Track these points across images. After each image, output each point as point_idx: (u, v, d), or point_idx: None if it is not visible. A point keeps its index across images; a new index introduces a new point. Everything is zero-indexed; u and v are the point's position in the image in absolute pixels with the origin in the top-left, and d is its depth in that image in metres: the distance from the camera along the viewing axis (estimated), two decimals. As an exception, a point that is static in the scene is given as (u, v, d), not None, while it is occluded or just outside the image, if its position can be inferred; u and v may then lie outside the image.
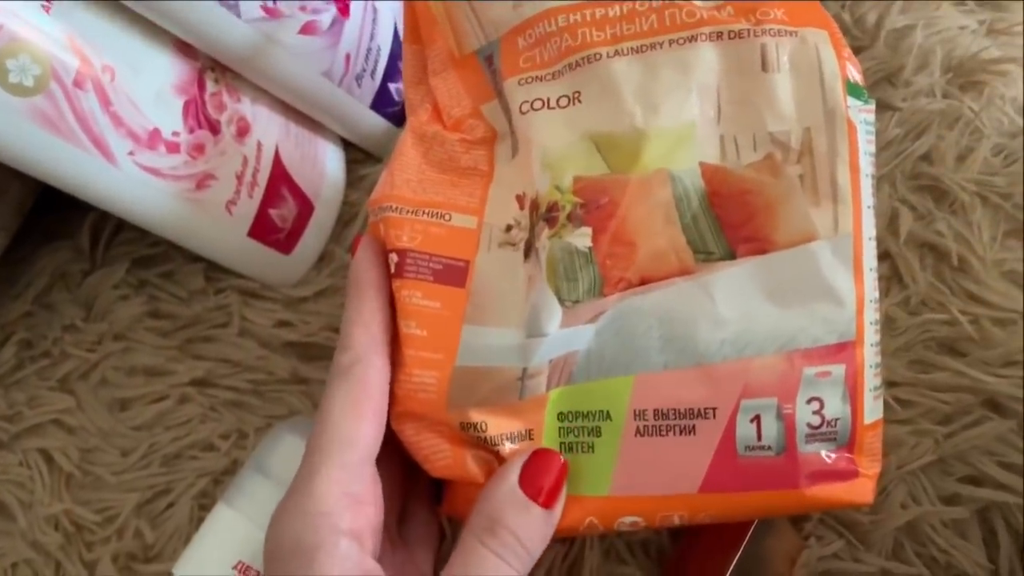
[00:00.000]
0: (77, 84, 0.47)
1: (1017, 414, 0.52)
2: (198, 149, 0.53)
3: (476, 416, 0.41)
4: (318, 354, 0.61)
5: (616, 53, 0.42)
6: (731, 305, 0.40)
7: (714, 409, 0.40)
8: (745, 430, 0.40)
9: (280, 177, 0.59)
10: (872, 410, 0.41)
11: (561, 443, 0.41)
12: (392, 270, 0.43)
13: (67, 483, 0.60)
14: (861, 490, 0.41)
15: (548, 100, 0.43)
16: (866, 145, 0.42)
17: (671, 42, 0.42)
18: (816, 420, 0.40)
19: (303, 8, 0.53)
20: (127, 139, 0.49)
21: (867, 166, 0.42)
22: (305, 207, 0.61)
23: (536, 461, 0.40)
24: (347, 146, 0.66)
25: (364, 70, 0.60)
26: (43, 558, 0.58)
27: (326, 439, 0.39)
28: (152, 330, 0.63)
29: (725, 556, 0.47)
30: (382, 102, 0.63)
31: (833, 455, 0.40)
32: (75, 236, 0.66)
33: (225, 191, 0.55)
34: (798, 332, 0.40)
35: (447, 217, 0.43)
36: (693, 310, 0.40)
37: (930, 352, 0.54)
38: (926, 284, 0.55)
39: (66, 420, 0.61)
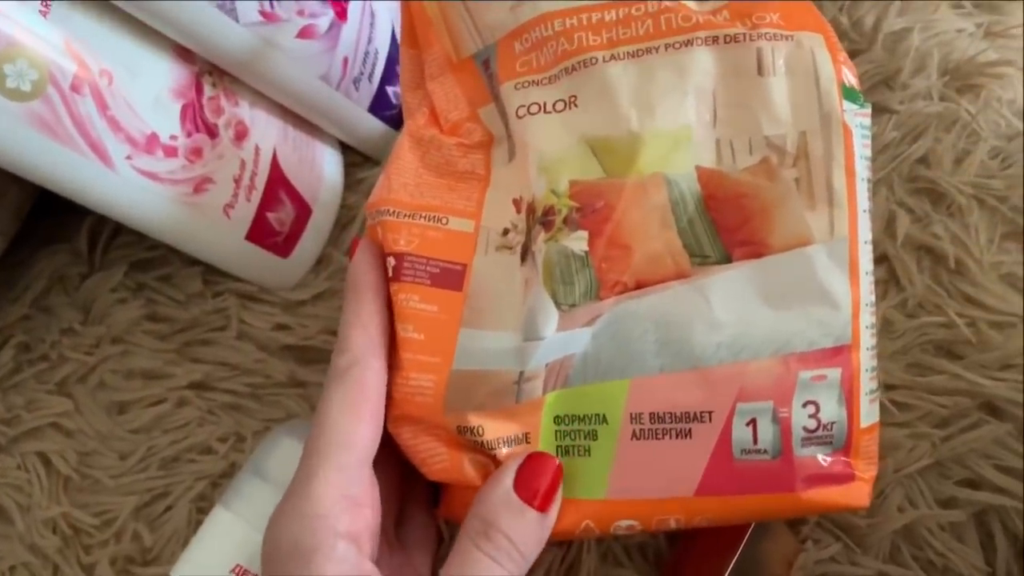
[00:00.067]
0: (74, 88, 0.47)
1: (1014, 417, 0.52)
2: (196, 153, 0.53)
3: (473, 420, 0.41)
4: (316, 357, 0.61)
5: (612, 57, 0.42)
6: (727, 309, 0.40)
7: (710, 412, 0.40)
8: (741, 433, 0.40)
9: (278, 180, 0.59)
10: (868, 413, 0.41)
11: (557, 447, 0.41)
12: (390, 273, 0.43)
13: (65, 486, 0.60)
14: (857, 493, 0.41)
15: (544, 104, 0.43)
16: (862, 149, 0.42)
17: (667, 46, 0.42)
18: (812, 424, 0.40)
19: (300, 12, 0.54)
20: (125, 143, 0.49)
21: (863, 170, 0.42)
22: (303, 210, 0.61)
23: (531, 464, 0.40)
24: (345, 149, 0.66)
25: (362, 73, 0.60)
26: (41, 561, 0.58)
27: (323, 441, 0.39)
28: (150, 333, 0.62)
29: (722, 559, 0.47)
30: (380, 105, 0.63)
31: (829, 459, 0.40)
32: (73, 240, 0.66)
33: (223, 195, 0.55)
34: (794, 336, 0.40)
35: (444, 221, 0.44)
36: (689, 314, 0.40)
37: (927, 355, 0.54)
38: (923, 287, 0.55)
39: (64, 423, 0.61)
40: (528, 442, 0.41)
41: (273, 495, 0.41)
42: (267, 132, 0.58)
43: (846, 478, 0.40)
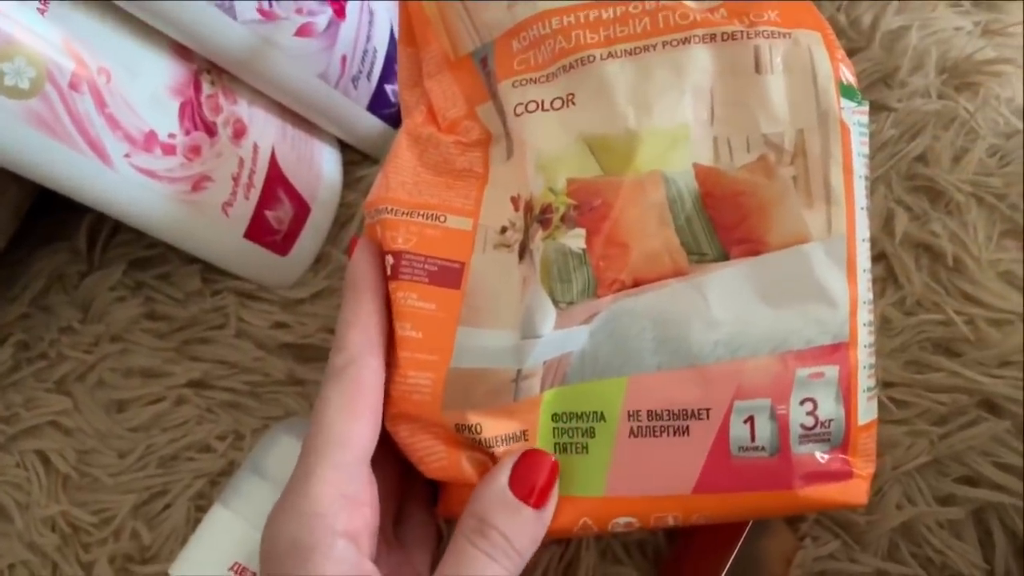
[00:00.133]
0: (73, 86, 0.47)
1: (1013, 415, 0.52)
2: (194, 151, 0.53)
3: (471, 418, 0.41)
4: (315, 355, 0.61)
5: (609, 55, 0.42)
6: (724, 306, 0.40)
7: (708, 410, 0.40)
8: (739, 431, 0.40)
9: (276, 179, 0.59)
10: (866, 411, 0.41)
11: (555, 444, 0.41)
12: (388, 272, 0.43)
13: (64, 484, 0.60)
14: (855, 491, 0.41)
15: (542, 102, 0.43)
16: (860, 147, 0.42)
17: (664, 44, 0.42)
18: (810, 421, 0.40)
19: (299, 10, 0.53)
20: (123, 141, 0.49)
21: (861, 167, 0.42)
22: (301, 209, 0.61)
23: (526, 461, 0.40)
24: (344, 147, 0.66)
25: (360, 72, 0.60)
26: (40, 559, 0.58)
27: (321, 440, 0.39)
28: (149, 332, 0.63)
29: (721, 556, 0.47)
30: (378, 103, 0.63)
31: (827, 456, 0.40)
32: (72, 238, 0.66)
33: (221, 193, 0.55)
34: (791, 333, 0.40)
35: (442, 219, 0.44)
36: (687, 311, 0.40)
37: (926, 353, 0.54)
38: (921, 285, 0.55)
39: (63, 421, 0.61)
40: (526, 440, 0.41)
41: (272, 493, 0.41)
42: (265, 130, 0.58)
43: (844, 475, 0.40)
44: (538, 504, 0.40)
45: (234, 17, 0.50)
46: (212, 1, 0.49)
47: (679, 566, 0.50)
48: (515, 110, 0.43)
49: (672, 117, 0.41)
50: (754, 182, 0.41)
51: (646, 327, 0.40)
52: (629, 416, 0.40)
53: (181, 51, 0.52)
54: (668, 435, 0.40)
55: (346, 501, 0.38)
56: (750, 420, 0.40)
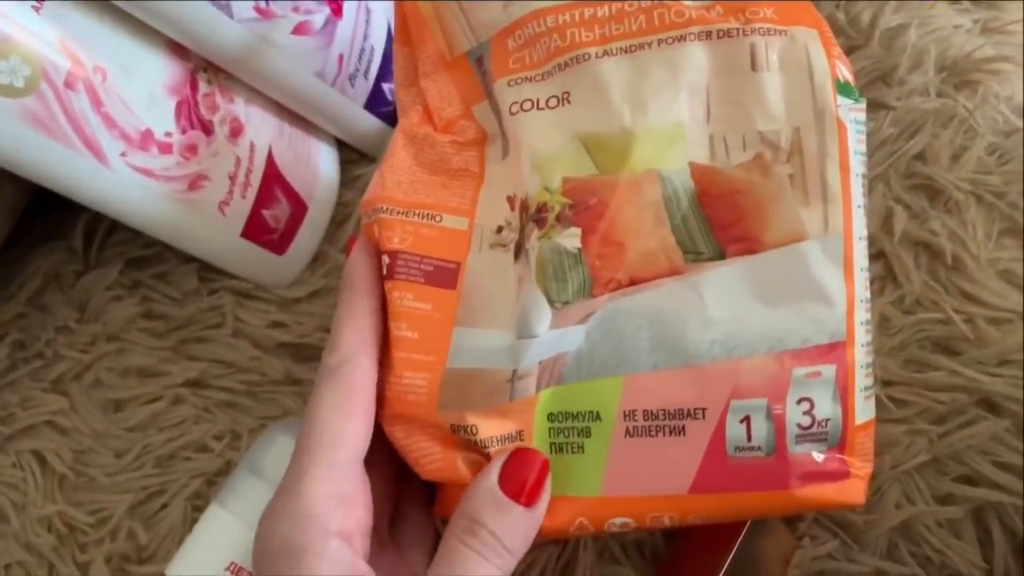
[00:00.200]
0: (68, 85, 0.46)
1: (1012, 414, 0.52)
2: (191, 150, 0.53)
3: (467, 418, 0.41)
4: (312, 355, 0.60)
5: (605, 53, 0.42)
6: (721, 305, 0.40)
7: (704, 410, 0.40)
8: (735, 431, 0.40)
9: (273, 177, 0.59)
10: (863, 410, 0.41)
11: (551, 444, 0.41)
12: (384, 271, 0.43)
13: (60, 484, 0.60)
14: (852, 491, 0.41)
15: (537, 101, 0.43)
16: (856, 144, 0.41)
17: (660, 42, 0.42)
18: (806, 421, 0.40)
19: (296, 9, 0.53)
20: (119, 140, 0.49)
21: (858, 165, 0.41)
22: (298, 207, 0.61)
23: (515, 460, 0.40)
24: (341, 146, 0.66)
25: (357, 70, 0.60)
26: (36, 559, 0.58)
27: (314, 440, 0.39)
28: (146, 331, 0.62)
29: (719, 556, 0.46)
30: (376, 102, 0.63)
31: (824, 456, 0.40)
32: (68, 237, 0.65)
33: (218, 192, 0.55)
34: (788, 332, 0.40)
35: (438, 218, 0.43)
36: (683, 310, 0.40)
37: (924, 351, 0.54)
38: (920, 283, 0.54)
39: (59, 421, 0.61)
40: (522, 440, 0.41)
41: (269, 493, 0.41)
42: (262, 129, 0.58)
43: (841, 475, 0.40)
44: (528, 502, 0.40)
45: (231, 15, 0.50)
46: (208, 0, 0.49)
47: (677, 566, 0.50)
48: (510, 109, 0.43)
49: (668, 115, 0.41)
50: (750, 180, 0.41)
51: (642, 326, 0.40)
52: (625, 416, 0.40)
53: (177, 49, 0.52)
54: (664, 435, 0.40)
55: (339, 501, 0.38)
56: (746, 420, 0.40)
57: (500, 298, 0.42)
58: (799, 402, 0.40)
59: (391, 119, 0.65)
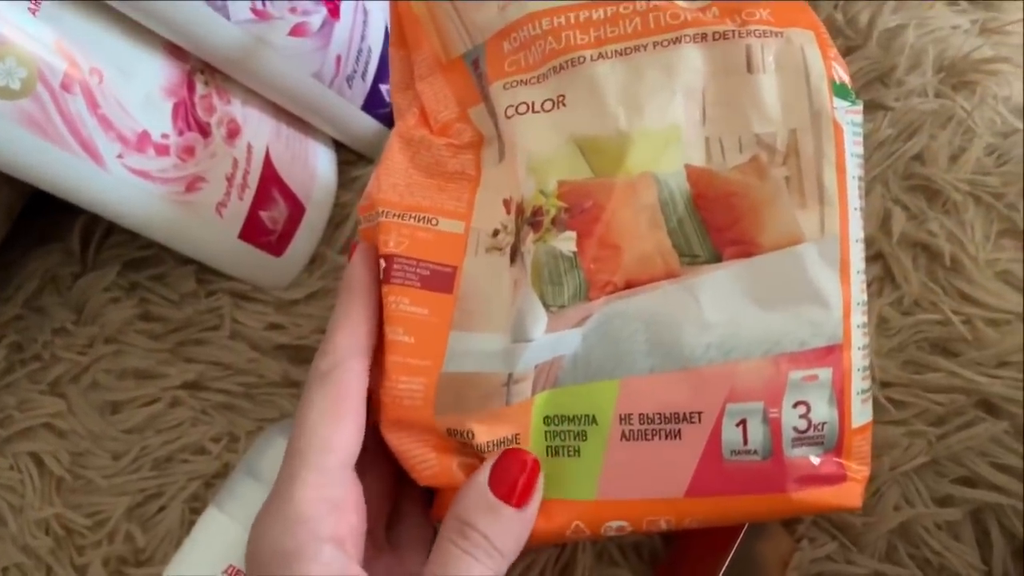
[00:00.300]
0: (64, 87, 0.46)
1: (1011, 415, 0.52)
2: (188, 151, 0.53)
3: (463, 423, 0.41)
4: (309, 357, 0.60)
5: (600, 56, 0.42)
6: (717, 308, 0.40)
7: (700, 413, 0.40)
8: (731, 434, 0.39)
9: (271, 179, 0.59)
10: (860, 413, 0.41)
11: (547, 447, 0.41)
12: (380, 275, 0.43)
13: (58, 487, 0.60)
14: (849, 494, 0.41)
15: (533, 104, 0.42)
16: (853, 146, 0.41)
17: (655, 44, 0.41)
18: (803, 424, 0.39)
19: (293, 10, 0.53)
20: (116, 142, 0.49)
21: (854, 167, 0.41)
22: (296, 209, 0.61)
23: (504, 461, 0.40)
24: (338, 147, 0.66)
25: (355, 71, 0.60)
26: (34, 562, 0.58)
27: (304, 443, 0.39)
28: (143, 333, 0.62)
29: (717, 558, 0.46)
30: (373, 103, 0.63)
31: (820, 459, 0.40)
32: (65, 239, 0.65)
33: (215, 193, 0.55)
34: (784, 335, 0.40)
35: (434, 222, 0.43)
36: (678, 314, 0.40)
37: (923, 353, 0.54)
38: (919, 284, 0.54)
39: (57, 423, 0.61)
40: (518, 443, 0.41)
41: (266, 495, 0.41)
42: (260, 130, 0.58)
43: (838, 478, 0.40)
44: (519, 503, 0.40)
45: (228, 17, 0.50)
46: (205, 1, 0.49)
47: (675, 568, 0.50)
48: (506, 112, 0.43)
49: (663, 118, 0.41)
50: (746, 183, 0.40)
51: (638, 330, 0.40)
52: (621, 419, 0.40)
53: (174, 51, 0.52)
54: (660, 438, 0.40)
55: (331, 506, 0.38)
56: (742, 423, 0.39)
57: (496, 302, 0.42)
58: (795, 405, 0.39)
59: (389, 120, 0.65)
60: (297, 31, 0.54)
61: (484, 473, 0.40)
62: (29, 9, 0.45)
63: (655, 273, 0.40)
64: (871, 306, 0.54)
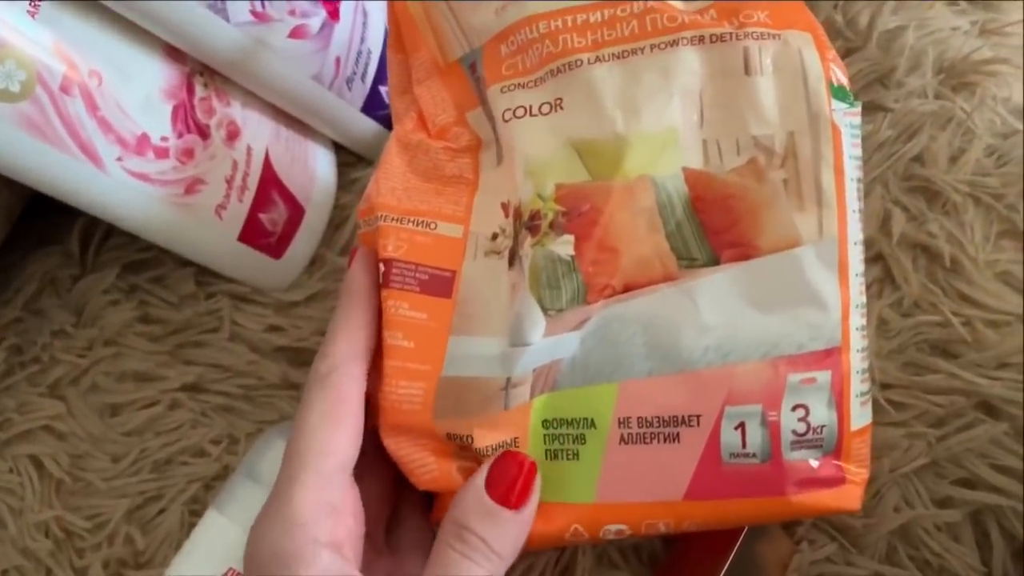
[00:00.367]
0: (64, 89, 0.46)
1: (1011, 416, 0.52)
2: (187, 154, 0.53)
3: (462, 427, 0.41)
4: (309, 359, 0.59)
5: (597, 59, 0.42)
6: (715, 311, 0.40)
7: (698, 416, 0.40)
8: (730, 437, 0.39)
9: (270, 181, 0.59)
10: (859, 416, 0.41)
11: (546, 450, 0.41)
12: (379, 280, 0.43)
13: (57, 489, 0.60)
14: (848, 496, 0.41)
15: (530, 107, 0.42)
16: (851, 148, 0.41)
17: (652, 47, 0.41)
18: (801, 427, 0.39)
19: (292, 12, 0.53)
20: (115, 144, 0.49)
21: (852, 170, 0.41)
22: (296, 211, 0.61)
23: (500, 464, 0.40)
24: (338, 149, 0.66)
25: (354, 73, 0.60)
26: (33, 565, 0.58)
27: (303, 446, 0.39)
28: (143, 335, 0.62)
29: (717, 561, 0.46)
30: (373, 105, 0.63)
31: (819, 462, 0.40)
32: (65, 241, 0.65)
33: (215, 196, 0.55)
34: (782, 338, 0.40)
35: (433, 226, 0.43)
36: (677, 317, 0.40)
37: (923, 354, 0.54)
38: (919, 286, 0.54)
39: (56, 426, 0.61)
40: (517, 447, 0.41)
41: (266, 498, 0.41)
42: (259, 132, 0.58)
43: (837, 481, 0.40)
44: (516, 505, 0.40)
45: (227, 19, 0.50)
46: (204, 3, 0.49)
47: (675, 571, 0.50)
48: (503, 115, 0.43)
49: (660, 121, 0.41)
50: (744, 185, 0.40)
51: (636, 333, 0.40)
52: (620, 423, 0.40)
53: (174, 53, 0.52)
54: (659, 442, 0.40)
55: (328, 510, 0.38)
56: (741, 426, 0.39)
57: (495, 306, 0.42)
58: (794, 408, 0.39)
59: (388, 122, 0.64)
60: (296, 33, 0.54)
61: (481, 476, 0.40)
62: (28, 12, 0.45)
63: (653, 276, 0.40)
64: (871, 308, 0.54)
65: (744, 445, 0.39)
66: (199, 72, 0.54)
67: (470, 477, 0.41)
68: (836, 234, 0.40)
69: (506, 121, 0.43)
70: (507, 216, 0.43)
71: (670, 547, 0.53)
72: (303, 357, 0.60)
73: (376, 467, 0.44)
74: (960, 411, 0.52)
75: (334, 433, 0.39)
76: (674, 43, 0.41)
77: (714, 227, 0.40)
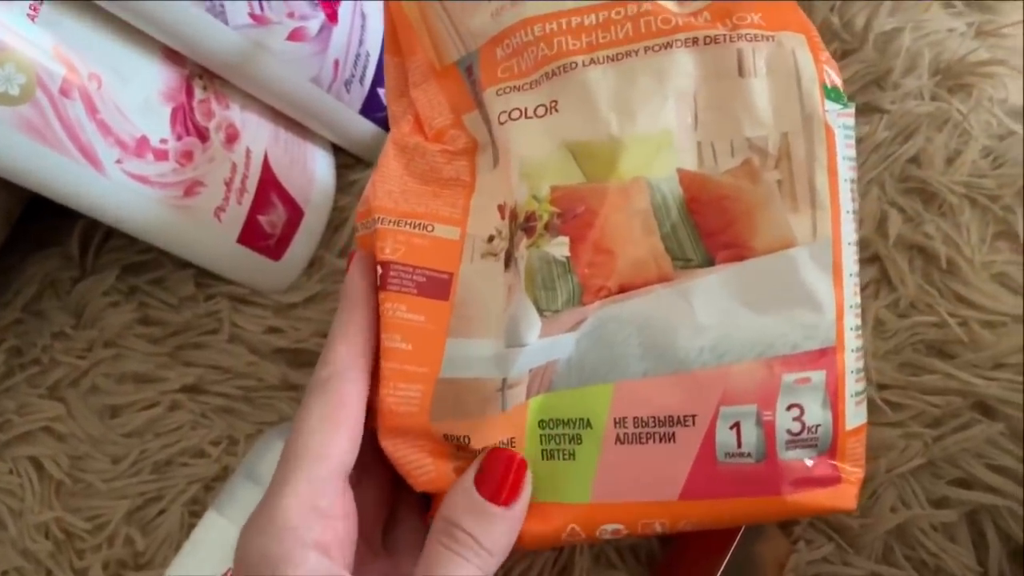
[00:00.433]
0: (63, 92, 0.47)
1: (1006, 417, 0.52)
2: (186, 156, 0.53)
3: (459, 428, 0.41)
4: (308, 360, 0.61)
5: (592, 61, 0.42)
6: (710, 312, 0.40)
7: (693, 416, 0.40)
8: (725, 437, 0.40)
9: (269, 183, 0.59)
10: (854, 415, 0.41)
11: (542, 450, 0.41)
12: (377, 282, 0.43)
13: (57, 491, 0.60)
14: (843, 496, 0.41)
15: (526, 110, 0.43)
16: (845, 149, 0.41)
17: (647, 49, 0.41)
18: (796, 427, 0.40)
19: (291, 14, 0.53)
20: (115, 147, 0.49)
21: (846, 170, 0.41)
22: (294, 213, 0.61)
23: (490, 462, 0.40)
24: (337, 151, 0.66)
25: (353, 76, 0.60)
26: (34, 566, 0.58)
27: (299, 450, 0.39)
28: (142, 337, 0.63)
29: (714, 561, 0.47)
30: (371, 107, 0.63)
31: (814, 461, 0.40)
32: (65, 243, 0.66)
33: (214, 198, 0.55)
34: (777, 339, 0.40)
35: (430, 228, 0.43)
36: (672, 317, 0.40)
37: (919, 355, 0.54)
38: (915, 287, 0.54)
39: (56, 427, 0.61)
40: (513, 447, 0.41)
41: (264, 499, 0.41)
42: (258, 134, 0.58)
43: (832, 480, 0.40)
44: (507, 502, 0.40)
45: (226, 22, 0.50)
46: (203, 6, 0.49)
47: (672, 570, 0.50)
48: (499, 118, 0.43)
49: (655, 123, 0.41)
50: (739, 187, 0.40)
51: (632, 333, 0.40)
52: (615, 423, 0.40)
53: (173, 56, 0.52)
54: (654, 442, 0.40)
55: (318, 514, 0.38)
56: (736, 426, 0.39)
57: (492, 308, 0.42)
58: (789, 408, 0.39)
59: (386, 124, 0.64)
60: (295, 36, 0.54)
61: (470, 474, 0.40)
62: (28, 15, 0.45)
63: (648, 277, 0.40)
64: (867, 308, 0.54)
65: (739, 445, 0.40)
66: (198, 75, 0.54)
67: (460, 476, 0.41)
68: (830, 235, 0.40)
69: (502, 123, 0.43)
70: (503, 218, 0.43)
71: (667, 547, 0.53)
72: (302, 358, 0.61)
73: (374, 469, 0.44)
74: (956, 411, 0.53)
75: (331, 437, 0.39)
76: (668, 45, 0.41)
77: (709, 228, 0.41)
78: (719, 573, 0.46)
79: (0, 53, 0.44)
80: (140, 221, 0.53)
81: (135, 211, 0.52)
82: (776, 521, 0.50)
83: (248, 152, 0.57)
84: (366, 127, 0.64)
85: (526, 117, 0.42)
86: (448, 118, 0.45)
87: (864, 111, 0.58)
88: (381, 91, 0.63)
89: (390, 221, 0.43)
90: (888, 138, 0.57)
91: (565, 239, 0.41)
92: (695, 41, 0.41)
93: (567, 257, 0.41)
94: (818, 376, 0.40)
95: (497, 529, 0.40)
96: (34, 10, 0.46)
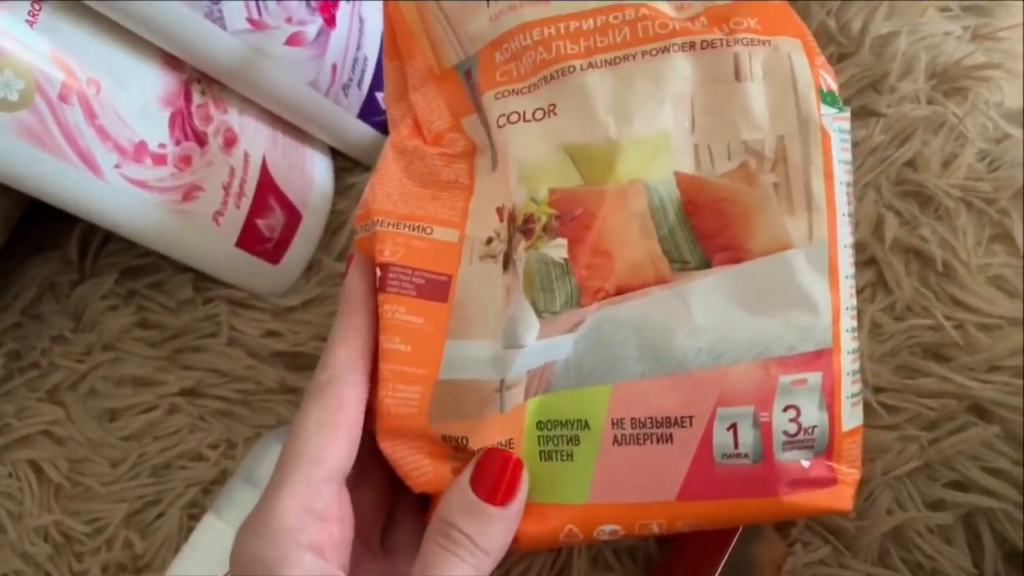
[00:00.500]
0: (62, 98, 0.47)
1: (1002, 419, 0.52)
2: (185, 161, 0.53)
3: (457, 430, 0.41)
4: (306, 363, 0.61)
5: (590, 65, 0.42)
6: (707, 314, 0.40)
7: (691, 417, 0.40)
8: (722, 438, 0.40)
9: (267, 187, 0.59)
10: (851, 417, 0.41)
11: (540, 451, 0.41)
12: (376, 285, 0.43)
13: (56, 494, 0.60)
14: (840, 497, 0.41)
15: (524, 113, 0.43)
16: (841, 153, 0.42)
17: (644, 53, 0.42)
18: (793, 428, 0.40)
19: (289, 19, 0.54)
20: (113, 152, 0.49)
21: (842, 174, 0.41)
22: (293, 216, 0.61)
23: (485, 461, 0.40)
24: (335, 154, 0.67)
25: (351, 80, 0.60)
26: (33, 569, 0.58)
27: (296, 453, 0.39)
28: (141, 340, 0.63)
29: (711, 563, 0.47)
30: (369, 111, 0.63)
31: (810, 463, 0.40)
32: (63, 247, 0.66)
33: (212, 202, 0.55)
34: (773, 340, 0.40)
35: (429, 230, 0.44)
36: (669, 319, 0.40)
37: (915, 358, 0.54)
38: (911, 290, 0.55)
39: (55, 431, 0.61)
40: (511, 448, 0.41)
41: (263, 502, 0.41)
42: (256, 139, 0.58)
43: (828, 482, 0.40)
44: (502, 502, 0.40)
45: (224, 27, 0.50)
46: (201, 11, 0.49)
47: (670, 572, 0.51)
48: (498, 121, 0.43)
49: (652, 126, 0.41)
50: (735, 189, 0.41)
51: (629, 335, 0.40)
52: (613, 424, 0.40)
53: (171, 61, 0.52)
54: (652, 443, 0.40)
55: (313, 517, 0.38)
56: (733, 427, 0.40)
57: (491, 310, 0.42)
58: (785, 409, 0.40)
59: (385, 128, 0.64)
60: (293, 40, 0.54)
61: (466, 474, 0.40)
62: (26, 20, 0.45)
63: (646, 279, 0.41)
64: (864, 311, 0.54)
65: (736, 446, 0.40)
66: (196, 79, 0.54)
67: (457, 476, 0.41)
68: (826, 237, 0.40)
69: (500, 127, 0.43)
70: (502, 220, 0.43)
71: (664, 548, 0.53)
72: (301, 362, 0.61)
73: (373, 470, 0.44)
74: (952, 414, 0.53)
75: (329, 440, 0.39)
76: (665, 49, 0.42)
77: (706, 231, 0.41)
78: (716, 575, 0.46)
79: (-1, 59, 0.44)
80: (139, 225, 0.53)
81: (134, 215, 0.52)
82: (773, 522, 0.50)
83: (246, 156, 0.57)
84: (364, 131, 0.64)
85: (524, 120, 0.43)
86: (447, 121, 0.45)
87: (860, 115, 0.58)
88: (379, 95, 0.63)
89: (389, 224, 0.43)
90: (884, 142, 0.58)
91: (563, 241, 0.41)
92: (692, 45, 0.41)
93: (565, 259, 0.41)
94: (814, 378, 0.40)
95: (493, 529, 0.40)
96: (33, 15, 0.46)
